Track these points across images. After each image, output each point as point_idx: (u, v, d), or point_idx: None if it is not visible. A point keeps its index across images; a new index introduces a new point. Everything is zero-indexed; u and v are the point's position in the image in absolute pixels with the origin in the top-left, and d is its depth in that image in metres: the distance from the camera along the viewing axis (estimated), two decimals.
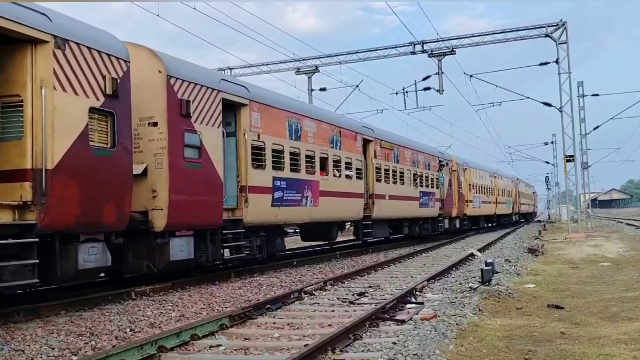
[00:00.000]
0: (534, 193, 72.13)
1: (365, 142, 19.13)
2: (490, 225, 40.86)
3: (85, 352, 6.30)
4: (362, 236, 19.51)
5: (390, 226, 21.83)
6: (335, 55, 30.64)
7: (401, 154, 22.21)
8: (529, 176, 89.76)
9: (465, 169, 32.09)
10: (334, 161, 16.47)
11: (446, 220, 28.10)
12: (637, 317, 7.61)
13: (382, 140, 20.45)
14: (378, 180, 19.72)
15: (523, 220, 57.78)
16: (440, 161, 27.54)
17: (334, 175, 16.45)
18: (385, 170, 20.59)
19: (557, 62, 26.97)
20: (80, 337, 6.88)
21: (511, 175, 49.67)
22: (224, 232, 11.79)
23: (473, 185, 33.23)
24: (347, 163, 17.32)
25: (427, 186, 25.16)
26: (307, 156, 15.00)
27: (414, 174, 23.66)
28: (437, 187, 26.66)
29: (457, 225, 30.38)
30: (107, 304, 9.04)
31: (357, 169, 17.94)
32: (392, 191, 20.81)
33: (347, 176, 17.20)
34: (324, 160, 15.97)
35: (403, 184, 22.13)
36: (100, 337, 6.91)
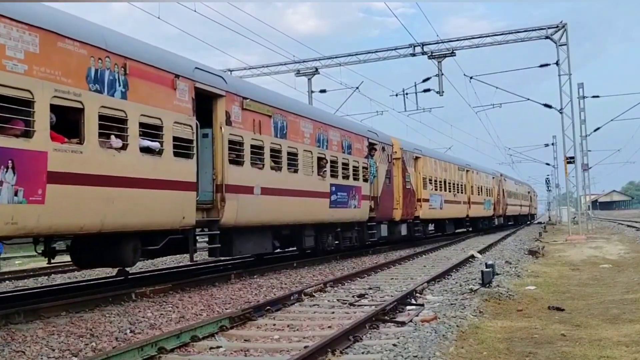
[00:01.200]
0: (529, 192, 63.35)
1: (206, 97, 11.38)
2: (464, 230, 33.97)
3: (86, 353, 6.31)
4: (194, 255, 11.49)
5: (279, 236, 14.75)
6: (335, 57, 30.68)
7: (292, 126, 14.29)
8: (529, 178, 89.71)
9: (418, 157, 24.56)
10: (103, 118, 8.71)
11: (383, 226, 20.59)
12: (638, 319, 7.60)
13: (245, 98, 12.40)
14: (236, 162, 11.98)
15: (512, 223, 50.35)
16: (371, 143, 19.47)
17: (105, 147, 8.76)
18: (255, 147, 12.71)
19: (557, 63, 26.99)
20: (81, 339, 6.89)
21: (492, 171, 42.10)
22: None
23: (430, 180, 25.93)
24: (146, 126, 9.56)
25: (345, 177, 17.16)
26: None
27: (320, 158, 15.76)
28: (366, 180, 18.76)
29: (404, 232, 22.83)
30: (107, 305, 9.05)
31: (178, 139, 10.21)
32: (269, 181, 13.10)
33: (146, 150, 9.56)
34: (72, 114, 8.33)
35: (295, 171, 14.36)
36: (100, 339, 6.91)
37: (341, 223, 17.57)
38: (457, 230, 33.09)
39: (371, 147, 19.62)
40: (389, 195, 21.06)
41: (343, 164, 17.24)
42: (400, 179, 22.33)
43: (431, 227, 29.52)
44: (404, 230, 22.90)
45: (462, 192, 31.45)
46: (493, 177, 40.31)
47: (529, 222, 62.31)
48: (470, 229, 35.14)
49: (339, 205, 16.85)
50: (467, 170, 33.16)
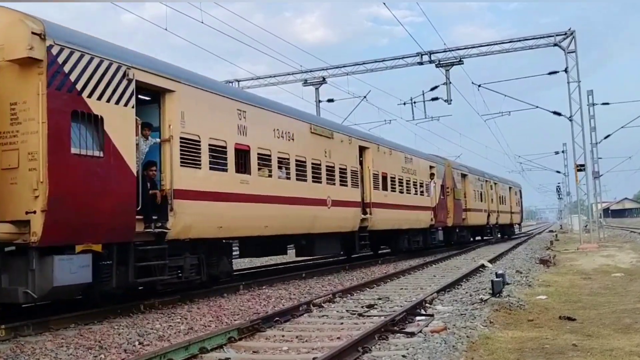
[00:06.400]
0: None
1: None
2: None
3: None
4: None
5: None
6: (343, 67, 30.69)
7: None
8: (540, 185, 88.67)
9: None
10: None
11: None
12: None
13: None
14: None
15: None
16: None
17: None
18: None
19: (566, 71, 26.86)
20: (90, 351, 6.90)
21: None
22: None
23: None
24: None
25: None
26: None
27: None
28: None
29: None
30: (116, 317, 9.07)
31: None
32: None
33: None
34: None
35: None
36: (109, 351, 6.92)
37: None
38: None
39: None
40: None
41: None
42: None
43: None
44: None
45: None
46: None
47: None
48: None
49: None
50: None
